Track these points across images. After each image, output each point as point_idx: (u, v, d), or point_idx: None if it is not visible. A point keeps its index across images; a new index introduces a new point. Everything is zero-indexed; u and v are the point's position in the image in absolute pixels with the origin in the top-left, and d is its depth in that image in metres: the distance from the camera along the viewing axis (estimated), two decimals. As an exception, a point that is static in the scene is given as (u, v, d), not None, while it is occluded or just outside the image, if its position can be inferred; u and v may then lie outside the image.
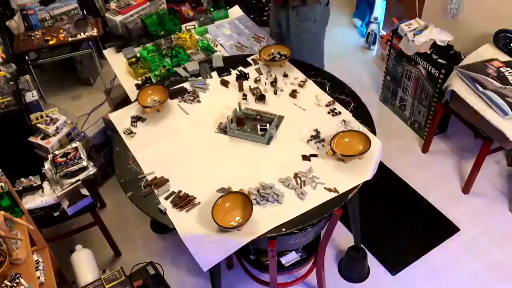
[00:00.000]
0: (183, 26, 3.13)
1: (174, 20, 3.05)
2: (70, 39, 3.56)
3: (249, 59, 2.65)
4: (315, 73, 2.51)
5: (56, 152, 2.51)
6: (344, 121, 2.20)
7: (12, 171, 2.30)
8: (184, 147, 2.16)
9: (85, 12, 3.88)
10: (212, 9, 3.22)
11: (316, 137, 2.14)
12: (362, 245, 2.56)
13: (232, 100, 2.36)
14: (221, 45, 2.95)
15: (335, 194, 1.90)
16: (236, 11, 3.30)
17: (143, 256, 2.71)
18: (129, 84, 2.69)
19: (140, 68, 2.72)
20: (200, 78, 2.54)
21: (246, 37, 3.01)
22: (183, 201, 1.89)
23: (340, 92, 2.37)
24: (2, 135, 2.73)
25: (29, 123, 2.78)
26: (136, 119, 2.31)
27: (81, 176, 2.44)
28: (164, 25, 3.02)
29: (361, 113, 2.24)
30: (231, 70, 2.58)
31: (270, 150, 2.10)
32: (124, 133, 2.24)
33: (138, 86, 2.63)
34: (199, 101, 2.40)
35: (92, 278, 2.26)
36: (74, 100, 3.97)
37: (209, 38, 3.00)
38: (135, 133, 2.24)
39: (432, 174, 3.12)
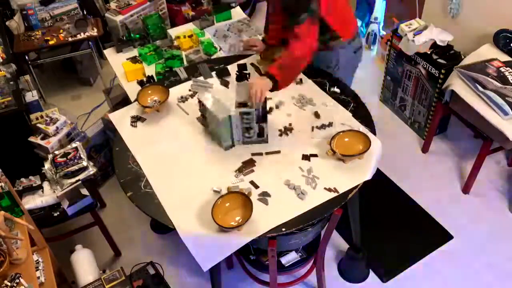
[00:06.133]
0: (174, 30, 3.09)
1: (158, 23, 3.00)
2: (70, 39, 3.56)
3: (248, 59, 2.65)
4: (315, 73, 2.51)
5: (56, 152, 2.51)
6: (343, 123, 2.20)
7: (12, 171, 2.29)
8: (184, 147, 2.16)
9: (85, 12, 3.88)
10: (213, 10, 3.22)
11: (320, 127, 2.16)
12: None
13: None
14: (220, 46, 2.94)
15: (335, 194, 1.90)
16: (238, 12, 3.30)
17: (143, 256, 2.71)
18: (129, 84, 2.69)
19: (138, 65, 2.72)
20: (202, 77, 2.54)
21: (247, 37, 3.01)
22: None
23: (340, 92, 2.37)
24: (2, 135, 2.73)
25: (29, 123, 2.78)
26: (136, 119, 2.31)
27: (81, 176, 2.44)
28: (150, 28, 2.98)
29: (361, 113, 2.24)
30: (231, 70, 2.58)
31: (270, 150, 2.10)
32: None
33: (138, 86, 2.62)
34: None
35: (92, 278, 2.26)
36: (74, 100, 3.97)
37: (211, 39, 3.00)
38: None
39: (432, 174, 3.12)
